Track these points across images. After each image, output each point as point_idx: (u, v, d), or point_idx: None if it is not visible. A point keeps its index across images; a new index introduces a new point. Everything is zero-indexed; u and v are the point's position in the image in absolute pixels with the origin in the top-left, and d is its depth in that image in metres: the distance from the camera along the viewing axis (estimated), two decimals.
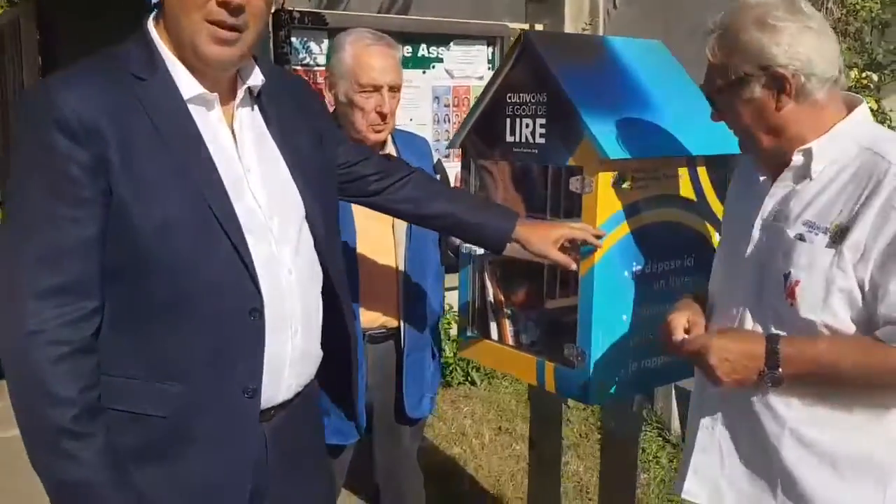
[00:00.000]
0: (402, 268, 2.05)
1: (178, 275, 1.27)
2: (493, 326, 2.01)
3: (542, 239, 1.68)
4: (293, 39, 4.01)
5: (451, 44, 4.54)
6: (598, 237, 1.66)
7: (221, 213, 1.29)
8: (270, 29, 3.85)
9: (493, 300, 2.01)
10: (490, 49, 4.70)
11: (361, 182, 1.71)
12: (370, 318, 2.03)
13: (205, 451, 1.32)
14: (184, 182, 1.27)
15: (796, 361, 1.33)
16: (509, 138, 1.84)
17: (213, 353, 1.31)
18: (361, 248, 2.01)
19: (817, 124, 1.37)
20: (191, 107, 1.31)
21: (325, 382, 1.59)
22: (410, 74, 4.42)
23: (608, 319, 1.72)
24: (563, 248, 1.69)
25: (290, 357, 1.40)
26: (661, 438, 3.57)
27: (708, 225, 1.88)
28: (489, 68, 4.69)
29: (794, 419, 1.38)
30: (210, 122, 1.34)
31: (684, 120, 1.82)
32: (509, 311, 1.99)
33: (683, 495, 1.56)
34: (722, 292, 1.54)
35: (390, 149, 2.09)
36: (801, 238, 1.35)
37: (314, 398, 1.58)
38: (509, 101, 1.83)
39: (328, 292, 1.50)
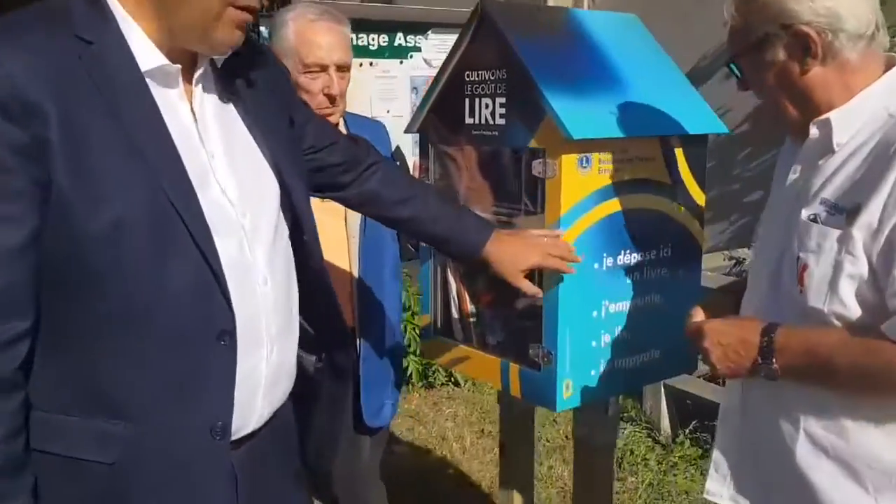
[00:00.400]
0: (355, 265, 1.89)
1: (130, 287, 1.05)
2: (458, 326, 1.85)
3: (512, 264, 1.51)
4: (262, 28, 3.85)
5: (429, 32, 4.38)
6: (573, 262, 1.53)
7: (186, 212, 1.07)
8: None
9: (456, 297, 1.86)
10: None
11: (325, 173, 1.50)
12: None
13: None
14: (141, 173, 1.04)
15: (789, 352, 1.20)
16: (468, 120, 1.68)
17: (173, 384, 1.09)
18: None
19: (848, 89, 1.21)
20: (149, 81, 1.09)
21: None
22: (387, 64, 4.29)
23: (576, 316, 1.57)
24: None
25: (263, 382, 1.19)
26: (650, 439, 3.42)
27: (686, 211, 1.73)
28: None
29: (811, 422, 1.25)
30: (169, 100, 1.12)
31: (658, 97, 1.66)
32: (474, 310, 1.83)
33: (706, 495, 1.45)
34: (751, 279, 1.40)
35: (341, 130, 1.94)
36: (813, 219, 1.20)
37: (289, 419, 1.37)
38: (468, 79, 1.67)
39: (312, 293, 1.32)
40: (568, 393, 1.59)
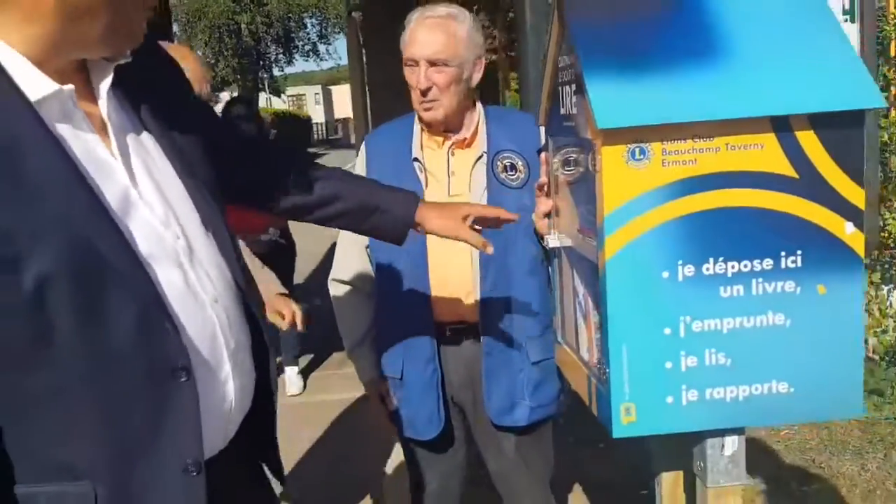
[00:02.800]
0: (477, 252, 1.85)
1: (67, 349, 0.98)
2: (582, 334, 1.71)
3: (448, 218, 1.41)
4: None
5: None
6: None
7: (109, 248, 0.99)
8: None
9: (582, 302, 1.72)
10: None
11: (233, 175, 1.41)
12: (443, 310, 1.89)
13: None
14: (48, 219, 0.95)
15: None
16: (562, 110, 1.55)
17: (134, 434, 1.04)
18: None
19: None
20: (43, 111, 1.00)
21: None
22: None
23: (637, 333, 1.36)
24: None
25: (234, 399, 1.18)
26: None
27: (827, 210, 1.34)
28: (846, 21, 3.85)
29: None
30: (71, 124, 1.04)
31: (780, 70, 1.33)
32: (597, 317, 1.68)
33: None
34: None
35: (480, 128, 1.92)
36: None
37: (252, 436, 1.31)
38: (559, 65, 1.55)
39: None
40: (629, 418, 1.39)
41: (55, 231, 0.96)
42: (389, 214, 1.56)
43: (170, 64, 1.33)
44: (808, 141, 1.32)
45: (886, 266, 4.03)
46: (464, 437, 2.05)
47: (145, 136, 1.18)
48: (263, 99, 41.57)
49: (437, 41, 1.84)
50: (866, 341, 4.07)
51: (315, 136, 44.30)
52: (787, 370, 1.39)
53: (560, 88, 1.56)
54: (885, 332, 3.98)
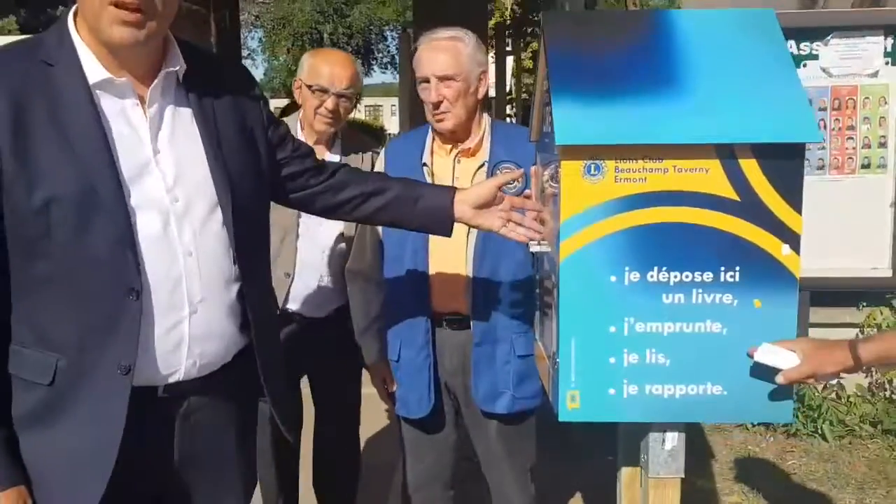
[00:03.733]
0: (471, 253, 2.06)
1: (57, 252, 1.34)
2: (547, 328, 1.88)
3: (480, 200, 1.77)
4: None
5: (830, 38, 3.92)
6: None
7: (107, 193, 1.35)
8: None
9: (549, 301, 1.88)
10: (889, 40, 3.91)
11: (302, 177, 1.75)
12: (440, 301, 2.09)
13: (78, 420, 1.39)
14: (71, 164, 1.34)
15: None
16: (545, 128, 1.74)
17: (90, 328, 1.38)
18: None
19: None
20: (99, 92, 1.40)
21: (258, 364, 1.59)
22: None
23: (585, 328, 1.52)
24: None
25: (187, 337, 1.46)
26: None
27: (765, 232, 1.49)
28: (888, 63, 3.91)
29: None
30: (120, 106, 1.42)
31: (729, 101, 1.49)
32: None
33: None
34: None
35: (484, 140, 2.12)
36: None
37: (243, 387, 1.60)
38: (545, 88, 1.73)
39: (248, 274, 1.55)
40: (573, 405, 1.55)
41: (71, 170, 1.35)
42: (429, 202, 1.79)
43: (247, 85, 1.66)
44: (751, 168, 1.47)
45: None
46: (454, 420, 2.23)
47: (188, 118, 1.52)
48: None
49: (444, 59, 2.06)
50: (890, 381, 4.08)
51: None
52: (722, 375, 1.53)
53: (545, 108, 1.74)
54: None
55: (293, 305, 2.46)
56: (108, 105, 1.43)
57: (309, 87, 2.42)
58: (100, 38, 1.40)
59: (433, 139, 2.17)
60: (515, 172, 1.86)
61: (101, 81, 1.42)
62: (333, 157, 2.48)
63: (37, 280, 1.38)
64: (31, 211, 1.34)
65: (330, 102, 2.39)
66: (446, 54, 2.06)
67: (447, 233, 1.80)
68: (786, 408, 1.55)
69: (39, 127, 1.35)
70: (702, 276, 1.50)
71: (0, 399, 1.42)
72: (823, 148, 3.91)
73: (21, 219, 1.35)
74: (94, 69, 1.41)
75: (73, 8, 1.44)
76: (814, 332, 3.87)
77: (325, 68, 2.41)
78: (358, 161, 2.50)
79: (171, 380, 1.49)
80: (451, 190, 1.82)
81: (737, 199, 1.48)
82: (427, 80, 2.07)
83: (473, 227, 1.84)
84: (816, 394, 4.03)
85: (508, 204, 1.79)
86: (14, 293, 1.40)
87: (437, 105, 2.06)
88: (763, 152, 1.46)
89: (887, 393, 4.06)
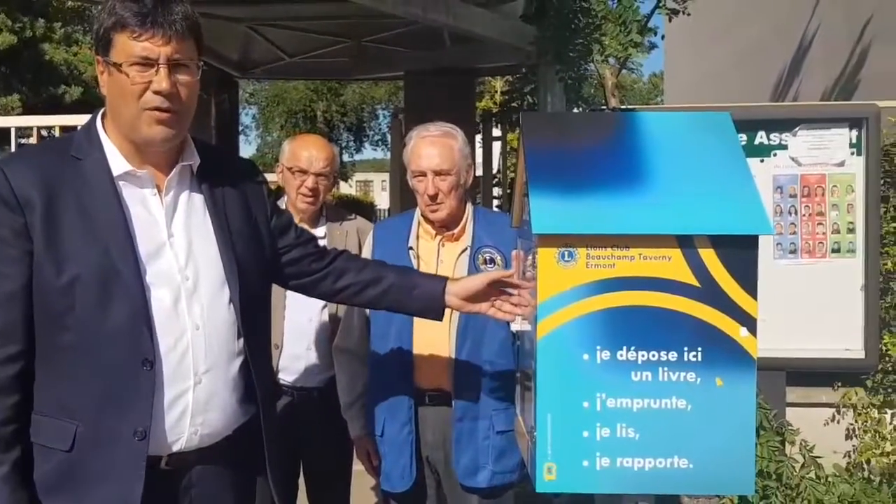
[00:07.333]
0: (454, 333, 2.18)
1: (80, 325, 1.49)
2: (528, 403, 1.99)
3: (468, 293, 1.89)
4: None
5: (798, 129, 4.15)
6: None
7: (127, 271, 1.51)
8: None
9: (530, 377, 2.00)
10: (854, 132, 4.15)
11: (303, 263, 1.89)
12: (424, 378, 2.20)
13: (97, 485, 1.50)
14: (94, 246, 1.50)
15: None
16: (525, 216, 1.88)
17: (107, 396, 1.51)
18: None
19: None
20: (122, 183, 1.58)
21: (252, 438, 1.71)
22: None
23: (561, 404, 1.63)
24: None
25: (191, 406, 1.58)
26: None
27: (724, 315, 1.62)
28: (853, 153, 4.14)
29: None
30: (141, 194, 1.61)
31: (689, 196, 1.64)
32: None
33: None
34: None
35: (467, 226, 2.27)
36: None
37: (243, 462, 1.70)
38: (524, 180, 1.88)
39: (255, 359, 1.68)
40: (550, 476, 1.65)
41: (95, 251, 1.51)
42: (423, 290, 1.94)
43: (253, 178, 1.84)
44: (709, 257, 1.61)
45: (889, 391, 4.15)
46: (435, 493, 2.32)
47: (200, 205, 1.70)
48: None
49: (439, 154, 2.24)
50: (868, 461, 4.16)
51: (377, 219, 45.64)
52: (688, 448, 1.64)
53: (525, 199, 1.89)
54: (883, 454, 4.08)
55: (284, 376, 2.57)
56: (130, 193, 1.62)
57: (289, 169, 2.63)
58: (135, 137, 1.58)
59: (419, 224, 2.32)
60: (506, 272, 1.97)
61: (124, 174, 1.61)
62: (318, 232, 2.66)
63: (60, 350, 1.52)
64: (58, 288, 1.49)
65: (310, 181, 2.60)
66: (441, 150, 2.23)
67: (439, 318, 1.94)
68: (748, 478, 1.65)
69: (67, 213, 1.52)
70: (667, 355, 1.63)
71: (23, 464, 1.52)
72: (795, 233, 4.10)
73: (48, 295, 1.50)
74: (118, 163, 1.61)
75: (101, 111, 1.66)
76: (791, 411, 3.99)
77: (304, 151, 2.64)
78: (342, 232, 2.70)
79: (175, 448, 1.60)
80: (444, 280, 1.96)
81: (697, 285, 1.62)
82: (423, 174, 2.23)
83: (463, 312, 1.97)
84: (794, 473, 4.10)
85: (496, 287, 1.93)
86: (38, 362, 1.53)
87: (433, 197, 2.22)
88: (720, 242, 1.61)
89: (865, 473, 4.14)
